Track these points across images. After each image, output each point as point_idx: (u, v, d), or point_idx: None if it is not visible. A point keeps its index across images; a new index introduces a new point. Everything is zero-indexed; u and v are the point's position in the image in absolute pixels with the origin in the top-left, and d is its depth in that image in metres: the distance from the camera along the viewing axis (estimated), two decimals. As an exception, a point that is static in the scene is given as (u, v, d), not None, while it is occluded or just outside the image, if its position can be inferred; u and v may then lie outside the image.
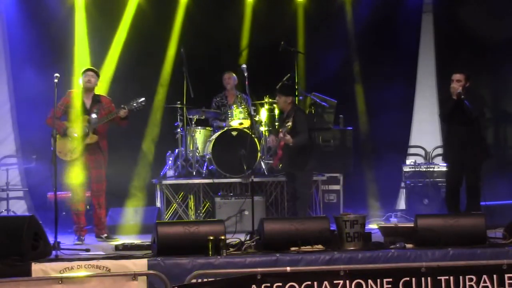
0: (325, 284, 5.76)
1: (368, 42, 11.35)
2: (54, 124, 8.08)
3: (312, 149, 8.96)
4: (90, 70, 8.64)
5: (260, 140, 9.91)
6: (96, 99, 8.57)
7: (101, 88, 10.16)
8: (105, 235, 8.52)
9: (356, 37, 11.39)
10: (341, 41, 11.23)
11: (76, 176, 8.40)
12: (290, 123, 8.71)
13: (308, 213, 9.40)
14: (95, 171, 8.47)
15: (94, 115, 8.42)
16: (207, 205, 9.92)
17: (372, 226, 8.72)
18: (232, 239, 7.22)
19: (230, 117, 10.08)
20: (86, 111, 8.46)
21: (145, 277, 6.13)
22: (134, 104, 8.50)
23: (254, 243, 7.13)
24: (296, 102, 9.50)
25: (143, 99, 8.58)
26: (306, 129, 8.76)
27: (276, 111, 10.08)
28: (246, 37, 11.38)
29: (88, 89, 8.54)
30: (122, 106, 8.46)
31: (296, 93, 9.83)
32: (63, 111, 8.46)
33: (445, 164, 9.72)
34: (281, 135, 8.78)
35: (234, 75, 10.47)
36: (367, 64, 11.32)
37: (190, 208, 9.87)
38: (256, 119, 10.00)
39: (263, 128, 10.06)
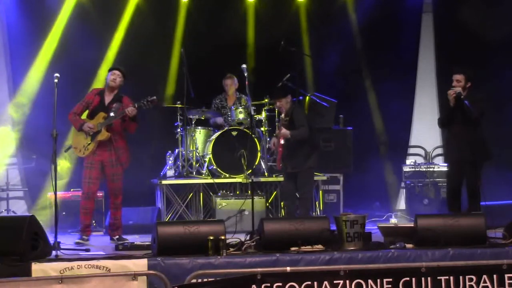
0: (325, 284, 5.76)
1: (368, 42, 11.37)
2: (73, 119, 8.20)
3: (314, 148, 8.93)
4: (117, 69, 8.40)
5: (260, 140, 9.91)
6: (117, 98, 8.34)
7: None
8: (117, 236, 8.28)
9: (356, 37, 11.39)
10: (341, 41, 11.23)
11: (88, 173, 8.24)
12: (287, 118, 8.69)
13: (308, 213, 9.40)
14: (109, 170, 8.25)
15: (112, 114, 8.21)
16: (207, 205, 9.92)
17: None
18: (232, 239, 7.22)
19: (230, 117, 10.09)
20: (104, 108, 8.28)
21: (145, 277, 6.13)
22: (144, 102, 8.21)
23: (254, 243, 7.13)
24: (297, 102, 9.48)
25: (154, 97, 8.28)
26: (306, 123, 8.70)
27: (277, 111, 10.07)
28: (247, 37, 11.38)
29: (111, 88, 8.35)
30: (131, 104, 8.25)
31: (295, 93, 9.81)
32: (84, 108, 8.34)
33: (445, 164, 9.71)
34: (277, 131, 8.75)
35: (235, 78, 10.41)
36: (366, 64, 11.33)
37: (190, 208, 9.87)
38: (256, 119, 9.99)
39: (263, 128, 10.05)
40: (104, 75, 10.45)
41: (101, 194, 10.10)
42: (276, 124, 9.99)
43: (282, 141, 8.73)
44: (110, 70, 8.49)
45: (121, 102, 8.32)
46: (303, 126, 8.66)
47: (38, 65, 10.64)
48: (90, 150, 8.21)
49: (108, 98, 8.34)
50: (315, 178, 9.64)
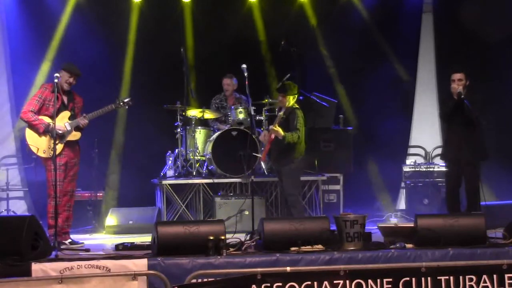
0: (325, 284, 5.76)
1: (368, 42, 11.36)
2: (32, 118, 7.82)
3: (302, 150, 8.80)
4: (76, 74, 8.02)
5: (260, 140, 9.89)
6: (71, 96, 8.11)
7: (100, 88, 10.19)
8: (69, 240, 7.97)
9: (356, 37, 11.39)
10: (341, 42, 11.23)
11: (58, 175, 7.79)
12: (284, 116, 8.62)
13: (308, 213, 9.38)
14: (71, 170, 8.05)
15: (71, 112, 8.02)
16: (207, 205, 9.92)
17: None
18: (232, 239, 7.22)
19: (230, 117, 10.08)
20: (66, 107, 8.03)
21: (145, 277, 6.13)
22: (121, 103, 8.18)
23: (254, 243, 7.14)
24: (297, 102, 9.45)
25: (129, 98, 8.26)
26: (302, 128, 8.63)
27: (277, 111, 10.04)
28: (248, 37, 11.38)
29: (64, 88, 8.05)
30: (84, 115, 8.02)
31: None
32: (41, 105, 7.93)
33: (444, 164, 9.71)
34: (271, 126, 8.58)
35: (234, 79, 10.38)
36: (367, 64, 11.33)
37: (190, 208, 9.87)
38: (257, 119, 9.97)
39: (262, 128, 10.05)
40: (106, 76, 10.54)
41: (101, 194, 10.13)
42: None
43: (273, 136, 8.61)
44: (67, 71, 7.97)
45: (75, 100, 8.12)
46: (297, 131, 8.56)
47: (38, 65, 10.65)
48: (59, 151, 7.87)
49: (65, 97, 8.04)
50: (315, 178, 9.64)
